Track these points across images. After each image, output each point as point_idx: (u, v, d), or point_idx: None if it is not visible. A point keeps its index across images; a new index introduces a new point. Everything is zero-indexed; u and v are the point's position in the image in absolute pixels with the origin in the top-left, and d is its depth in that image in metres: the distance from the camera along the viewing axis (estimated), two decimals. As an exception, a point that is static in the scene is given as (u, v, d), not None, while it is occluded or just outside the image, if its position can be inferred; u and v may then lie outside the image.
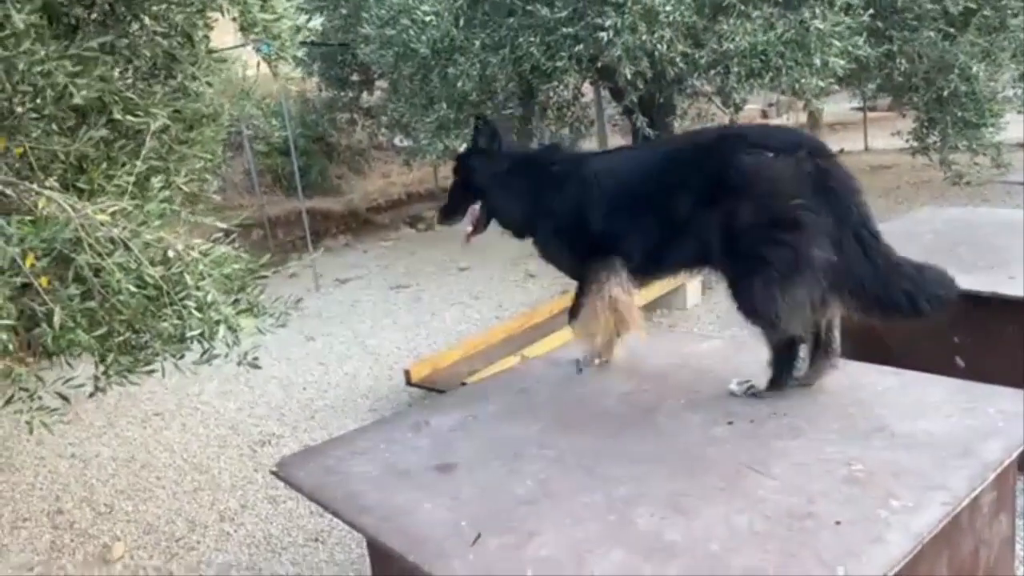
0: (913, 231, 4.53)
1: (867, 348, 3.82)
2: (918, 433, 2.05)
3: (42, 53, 2.60)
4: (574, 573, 1.69)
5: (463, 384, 4.33)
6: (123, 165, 3.06)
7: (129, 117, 3.08)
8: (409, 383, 5.11)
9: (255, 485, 4.39)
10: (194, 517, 4.14)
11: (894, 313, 2.29)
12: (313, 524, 3.93)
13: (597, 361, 2.90)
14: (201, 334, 2.55)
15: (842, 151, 13.28)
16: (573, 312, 2.87)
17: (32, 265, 2.47)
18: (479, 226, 2.94)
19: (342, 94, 11.18)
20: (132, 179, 2.90)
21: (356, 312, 7.51)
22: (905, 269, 2.32)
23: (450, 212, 2.97)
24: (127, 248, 2.56)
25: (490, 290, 7.65)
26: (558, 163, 2.83)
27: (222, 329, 2.53)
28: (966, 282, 3.55)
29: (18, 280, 2.49)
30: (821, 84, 6.63)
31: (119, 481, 4.60)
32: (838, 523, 1.71)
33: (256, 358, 2.66)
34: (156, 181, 2.86)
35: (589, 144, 9.40)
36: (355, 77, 11.04)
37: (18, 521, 4.26)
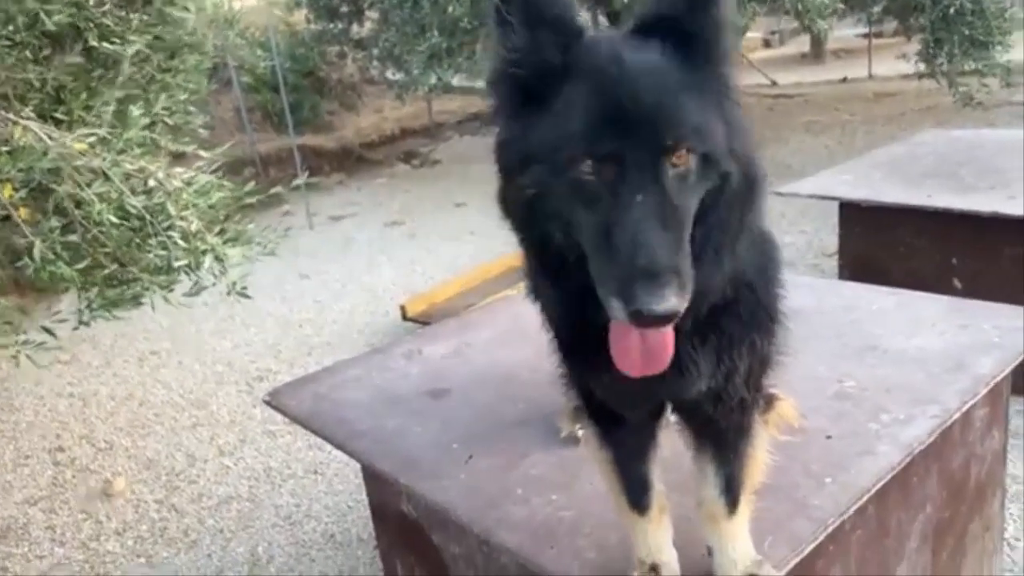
0: (915, 153, 4.46)
1: (865, 271, 3.82)
2: (911, 350, 2.03)
3: (9, -24, 2.50)
4: (564, 491, 1.69)
5: (458, 316, 4.32)
6: (102, 95, 2.98)
7: (105, 44, 2.98)
8: (405, 318, 5.10)
9: (253, 420, 4.42)
10: (193, 452, 4.18)
11: None
12: (311, 456, 3.96)
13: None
14: (187, 264, 2.51)
15: (845, 79, 13.03)
16: None
17: (10, 196, 2.41)
18: None
19: (331, 26, 10.83)
20: (110, 108, 2.82)
21: (351, 249, 7.45)
22: None
23: None
24: (107, 178, 2.50)
25: (487, 226, 7.55)
26: None
27: (208, 259, 2.49)
28: (966, 202, 3.53)
29: (-3, 212, 2.45)
30: (826, 1, 6.41)
31: (118, 418, 4.63)
32: (828, 437, 1.70)
33: (245, 288, 2.63)
34: (135, 108, 2.77)
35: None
36: (344, 7, 10.68)
37: (20, 458, 4.30)
